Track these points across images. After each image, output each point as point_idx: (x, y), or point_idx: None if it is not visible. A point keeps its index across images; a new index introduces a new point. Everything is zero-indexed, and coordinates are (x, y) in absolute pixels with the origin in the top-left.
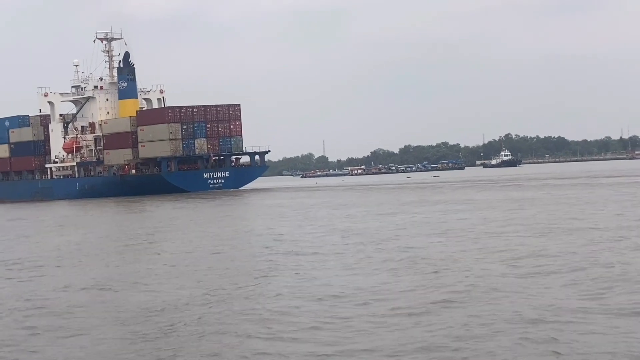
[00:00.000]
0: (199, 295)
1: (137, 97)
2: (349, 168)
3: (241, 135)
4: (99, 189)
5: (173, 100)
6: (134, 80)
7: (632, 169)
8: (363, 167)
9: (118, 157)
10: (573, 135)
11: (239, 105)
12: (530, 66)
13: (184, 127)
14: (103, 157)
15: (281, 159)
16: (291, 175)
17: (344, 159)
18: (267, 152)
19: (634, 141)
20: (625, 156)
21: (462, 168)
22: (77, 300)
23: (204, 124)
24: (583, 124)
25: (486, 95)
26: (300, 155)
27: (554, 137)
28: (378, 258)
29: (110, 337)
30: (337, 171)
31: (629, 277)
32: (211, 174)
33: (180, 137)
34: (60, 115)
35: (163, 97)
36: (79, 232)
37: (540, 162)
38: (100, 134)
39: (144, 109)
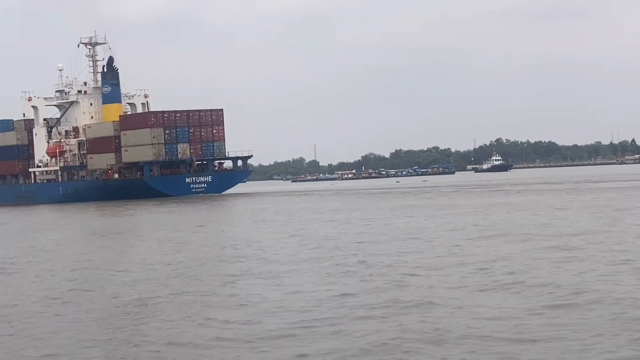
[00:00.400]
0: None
1: (120, 102)
2: (340, 172)
3: (224, 140)
4: (82, 193)
5: (160, 105)
6: (117, 84)
7: (618, 174)
8: (353, 171)
9: (101, 161)
10: (564, 140)
11: (222, 110)
12: (521, 72)
13: (167, 131)
14: (86, 162)
15: (272, 163)
16: (282, 179)
17: (335, 163)
18: (249, 157)
19: (624, 146)
20: (615, 161)
21: (453, 173)
22: None
23: (186, 129)
24: (574, 129)
25: (478, 100)
26: (291, 160)
27: (545, 142)
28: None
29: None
30: (327, 175)
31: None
32: (194, 179)
33: (162, 141)
34: (44, 119)
35: (147, 102)
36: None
37: (531, 167)
38: (84, 139)
39: (128, 113)
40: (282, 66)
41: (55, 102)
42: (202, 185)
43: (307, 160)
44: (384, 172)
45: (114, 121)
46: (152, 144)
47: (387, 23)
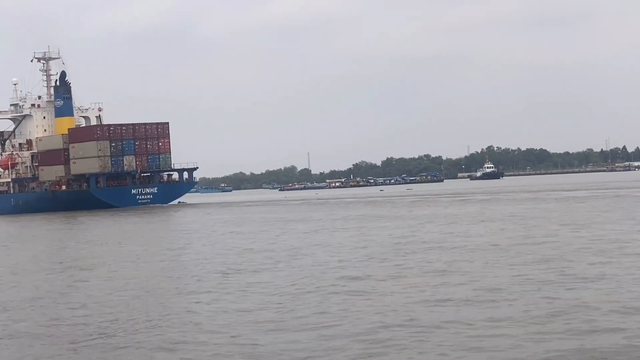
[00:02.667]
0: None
1: (73, 115)
2: (328, 181)
3: (170, 152)
4: (32, 204)
5: (128, 117)
6: (69, 98)
7: (597, 182)
8: (342, 180)
9: (51, 173)
10: (556, 147)
11: (168, 123)
12: (513, 79)
13: (113, 144)
14: (38, 174)
15: (264, 172)
16: (270, 188)
17: (327, 171)
18: (195, 169)
19: (615, 153)
20: (605, 168)
21: (441, 181)
22: None
23: (132, 142)
24: (566, 137)
25: (470, 108)
26: (282, 168)
27: (537, 149)
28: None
29: None
30: (315, 184)
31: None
32: (139, 190)
33: (109, 154)
34: None
35: (100, 115)
36: None
37: (522, 175)
38: (36, 151)
39: (78, 126)
40: (274, 75)
41: (9, 116)
42: (148, 196)
43: (299, 169)
44: (372, 181)
45: (63, 134)
46: (98, 157)
47: (380, 31)
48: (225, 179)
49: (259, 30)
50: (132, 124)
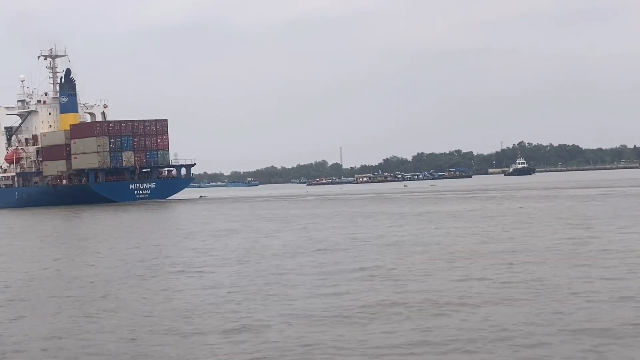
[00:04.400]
0: None
1: (77, 112)
2: (356, 176)
3: (168, 148)
4: (35, 198)
5: (131, 114)
6: (74, 95)
7: (621, 179)
8: (370, 175)
9: (54, 168)
10: (589, 143)
11: (166, 120)
12: (547, 74)
13: (112, 140)
14: (42, 168)
15: (295, 166)
16: (297, 182)
17: (358, 166)
18: (192, 165)
19: None
20: (637, 165)
21: (470, 176)
22: None
23: (131, 138)
24: (599, 133)
25: (503, 103)
26: (313, 162)
27: (569, 144)
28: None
29: None
30: (343, 179)
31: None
32: (138, 185)
33: (107, 149)
34: (5, 127)
35: (104, 112)
36: None
37: (553, 171)
38: (41, 146)
39: (82, 122)
40: (307, 69)
41: (16, 111)
42: (146, 191)
43: (330, 163)
44: (399, 176)
45: (65, 130)
46: (98, 152)
47: (413, 25)
48: (256, 173)
49: (290, 24)
50: (132, 121)
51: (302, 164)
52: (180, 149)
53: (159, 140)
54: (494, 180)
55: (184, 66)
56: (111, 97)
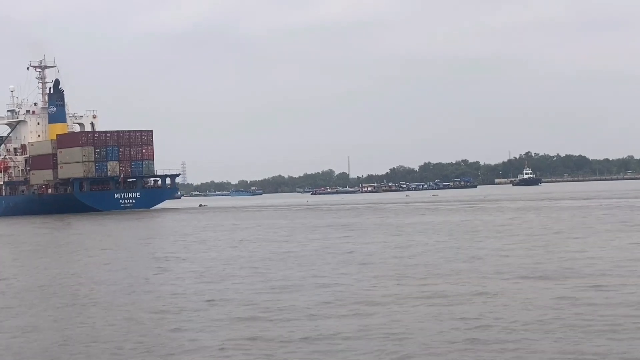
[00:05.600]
0: None
1: (65, 122)
2: (361, 185)
3: (153, 158)
4: (21, 207)
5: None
6: (62, 105)
7: (619, 190)
8: (374, 184)
9: (41, 177)
10: (595, 153)
11: (151, 131)
12: (555, 84)
13: (97, 150)
14: (29, 177)
15: (302, 175)
16: (301, 192)
17: (364, 175)
18: (177, 175)
19: None
20: None
21: (475, 187)
22: None
23: (116, 148)
24: (606, 143)
25: (511, 113)
26: (320, 172)
27: (575, 155)
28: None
29: None
30: (347, 189)
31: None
32: (122, 195)
33: (93, 159)
34: None
35: (92, 123)
36: None
37: (559, 181)
38: (29, 155)
39: (70, 132)
40: (316, 77)
41: (5, 121)
42: (131, 200)
43: (337, 173)
44: (404, 186)
45: (52, 140)
46: (83, 162)
47: (422, 34)
48: (263, 182)
49: (300, 31)
50: (117, 131)
51: (309, 173)
52: (188, 157)
53: (144, 151)
54: (497, 190)
55: (190, 75)
56: (117, 104)
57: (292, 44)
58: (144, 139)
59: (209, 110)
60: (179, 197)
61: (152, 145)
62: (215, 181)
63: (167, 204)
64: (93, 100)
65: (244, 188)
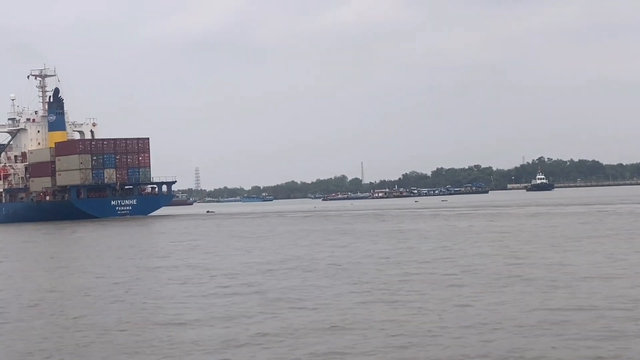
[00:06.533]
0: None
1: (65, 130)
2: (372, 191)
3: (149, 166)
4: (21, 214)
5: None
6: (62, 114)
7: (621, 195)
8: (385, 190)
9: (40, 184)
10: (609, 159)
11: (148, 139)
12: (568, 89)
13: (94, 158)
14: (29, 185)
15: (315, 181)
16: (312, 197)
17: (377, 181)
18: (173, 183)
19: None
20: None
21: (486, 192)
22: None
23: (113, 156)
24: (620, 148)
25: (524, 118)
26: (333, 177)
27: (589, 160)
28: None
29: None
30: (358, 194)
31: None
32: (119, 201)
33: (90, 167)
34: None
35: (92, 131)
36: None
37: (572, 186)
38: (28, 163)
39: (69, 140)
40: (329, 84)
41: (6, 129)
42: (127, 207)
43: (350, 178)
44: (415, 191)
45: (51, 147)
46: (80, 169)
47: (435, 41)
48: (276, 188)
49: (314, 38)
50: (114, 139)
51: (322, 179)
52: (202, 163)
53: (140, 158)
54: (507, 196)
55: (206, 82)
56: (122, 112)
57: (303, 51)
58: (141, 146)
59: (222, 116)
60: (190, 204)
61: (149, 153)
62: (229, 187)
63: (173, 210)
64: (97, 107)
65: (257, 194)
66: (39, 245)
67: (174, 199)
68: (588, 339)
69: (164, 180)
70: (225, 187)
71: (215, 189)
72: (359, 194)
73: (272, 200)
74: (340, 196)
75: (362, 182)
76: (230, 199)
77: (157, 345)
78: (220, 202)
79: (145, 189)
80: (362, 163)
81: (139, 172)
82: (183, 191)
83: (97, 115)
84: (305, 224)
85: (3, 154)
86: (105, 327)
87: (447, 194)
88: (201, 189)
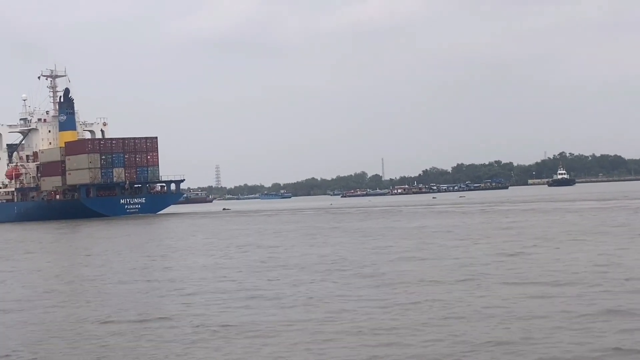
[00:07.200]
0: None
1: (75, 129)
2: (392, 187)
3: (158, 165)
4: (32, 213)
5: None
6: (72, 114)
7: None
8: (405, 187)
9: (50, 183)
10: (631, 153)
11: (156, 138)
12: (592, 83)
13: (103, 157)
14: (40, 184)
15: (335, 177)
16: (331, 194)
17: (398, 177)
18: (182, 181)
19: None
20: None
21: (506, 188)
22: None
23: (122, 155)
24: None
25: (547, 113)
26: (353, 174)
27: (611, 155)
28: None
29: None
30: (378, 191)
31: None
32: (128, 200)
33: (99, 166)
34: (7, 145)
35: (102, 130)
36: None
37: (594, 181)
38: (40, 163)
39: (79, 139)
40: (349, 81)
41: (18, 129)
42: (137, 206)
43: (370, 175)
44: (434, 187)
45: (61, 147)
46: (89, 168)
47: (455, 37)
48: (296, 185)
49: (333, 34)
50: (122, 139)
51: (342, 175)
52: (222, 161)
53: (149, 157)
54: (525, 191)
55: (226, 80)
56: (145, 110)
57: (324, 48)
58: (149, 145)
59: (243, 113)
60: (210, 201)
61: (157, 152)
62: (249, 184)
63: (190, 208)
64: (115, 107)
65: (276, 191)
66: (71, 241)
67: (193, 197)
68: None
69: (173, 179)
70: (245, 184)
71: (235, 186)
72: (377, 191)
73: (290, 197)
74: (359, 193)
75: (382, 179)
76: (250, 196)
77: None
78: (240, 199)
79: (154, 188)
80: (382, 159)
81: (147, 170)
82: (203, 189)
83: (116, 114)
84: (291, 223)
85: (15, 153)
86: None
87: (466, 190)
88: (221, 186)
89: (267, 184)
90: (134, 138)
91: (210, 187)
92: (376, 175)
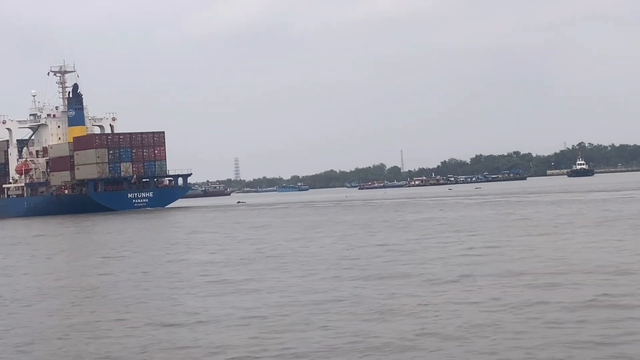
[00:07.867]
0: None
1: (84, 125)
2: (410, 179)
3: (165, 159)
4: (41, 207)
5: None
6: (81, 109)
7: None
8: (422, 178)
9: (60, 178)
10: None
11: (163, 132)
12: (611, 73)
13: (111, 152)
14: (50, 179)
15: (353, 169)
16: (349, 186)
17: (416, 169)
18: (189, 175)
19: None
20: None
21: (524, 178)
22: None
23: (129, 150)
24: None
25: (565, 103)
26: (371, 166)
27: (630, 145)
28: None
29: None
30: (395, 183)
31: None
32: (136, 194)
33: (107, 161)
34: (17, 140)
35: (112, 125)
36: None
37: (613, 172)
38: (49, 158)
39: (88, 134)
40: (367, 72)
41: (27, 125)
42: (144, 200)
43: (389, 167)
44: (452, 179)
45: (69, 142)
46: (97, 163)
47: (473, 27)
48: (314, 177)
49: (351, 26)
50: (130, 134)
51: (360, 167)
52: (241, 154)
53: (156, 152)
54: (543, 182)
55: (247, 73)
56: (163, 105)
57: (341, 40)
58: (156, 140)
59: (262, 106)
60: (228, 194)
61: (164, 147)
62: (268, 177)
63: (206, 201)
64: (130, 100)
65: (294, 184)
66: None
67: (211, 190)
68: None
69: (180, 173)
70: (264, 177)
71: (254, 179)
72: (395, 183)
73: (307, 189)
74: (376, 185)
75: (401, 170)
76: (268, 189)
77: None
78: (258, 192)
79: (162, 182)
80: (401, 151)
81: (155, 165)
82: (221, 182)
83: (126, 109)
84: (296, 216)
85: (25, 149)
86: None
87: (484, 181)
88: (240, 179)
89: (286, 176)
90: (141, 133)
91: (229, 180)
92: (395, 166)
